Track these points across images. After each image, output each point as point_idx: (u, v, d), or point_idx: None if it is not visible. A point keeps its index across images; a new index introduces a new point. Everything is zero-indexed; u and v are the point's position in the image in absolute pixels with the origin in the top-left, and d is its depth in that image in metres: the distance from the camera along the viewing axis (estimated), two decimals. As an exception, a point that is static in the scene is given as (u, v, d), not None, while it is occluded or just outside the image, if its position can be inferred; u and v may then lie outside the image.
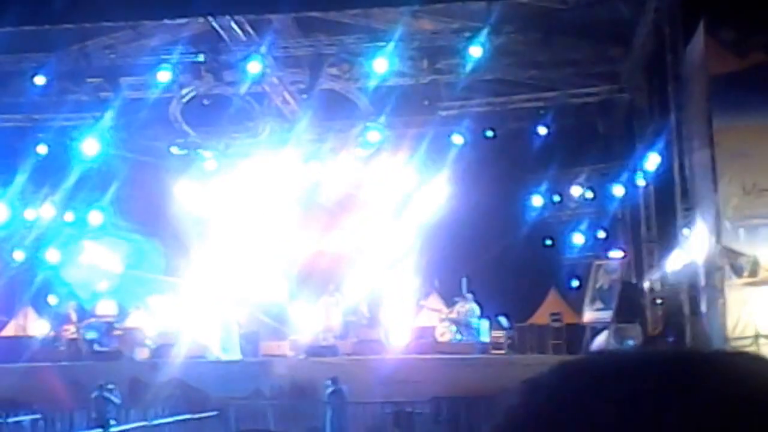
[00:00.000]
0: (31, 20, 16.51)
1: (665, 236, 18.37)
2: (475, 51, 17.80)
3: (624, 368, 0.79)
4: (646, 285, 19.80)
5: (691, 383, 0.74)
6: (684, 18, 15.85)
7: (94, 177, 21.54)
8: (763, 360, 0.78)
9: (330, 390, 16.47)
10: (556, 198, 22.29)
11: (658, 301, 18.51)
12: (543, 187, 22.16)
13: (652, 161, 18.62)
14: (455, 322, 19.76)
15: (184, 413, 16.02)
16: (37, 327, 20.92)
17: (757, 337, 14.29)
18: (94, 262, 22.20)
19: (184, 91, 19.97)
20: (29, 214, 22.04)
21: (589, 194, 22.06)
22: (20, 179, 21.35)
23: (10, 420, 15.86)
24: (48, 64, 19.14)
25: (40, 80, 19.12)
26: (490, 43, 17.69)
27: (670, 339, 17.36)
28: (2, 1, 15.36)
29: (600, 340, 19.25)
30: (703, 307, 15.41)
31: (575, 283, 22.27)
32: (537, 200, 22.12)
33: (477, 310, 19.71)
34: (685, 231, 16.24)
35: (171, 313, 20.51)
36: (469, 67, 18.30)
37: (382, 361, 17.68)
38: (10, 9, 15.17)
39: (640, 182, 19.53)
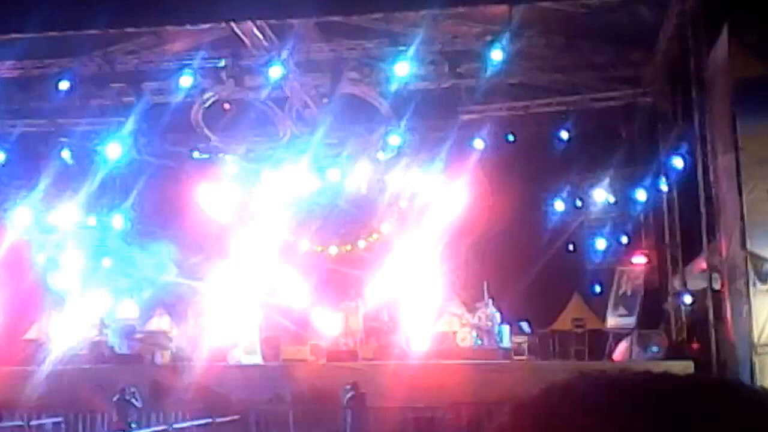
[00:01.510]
0: (54, 26, 16.62)
1: (689, 241, 18.19)
2: (497, 55, 17.72)
3: (610, 390, 0.78)
4: (669, 291, 19.62)
5: (676, 410, 0.74)
6: (707, 21, 15.69)
7: (117, 181, 21.71)
8: (737, 385, 0.78)
9: (350, 395, 16.45)
10: (578, 203, 22.15)
11: (682, 307, 18.33)
12: (565, 192, 22.04)
13: (676, 165, 18.47)
14: (476, 327, 19.69)
15: (205, 417, 16.05)
16: (59, 330, 21.02)
17: (782, 344, 14.10)
18: (113, 267, 22.31)
19: (205, 96, 20.06)
20: (52, 218, 22.20)
21: (612, 199, 21.90)
22: (43, 183, 21.53)
23: (33, 423, 15.96)
24: (72, 69, 19.32)
25: (64, 85, 19.30)
26: (511, 46, 17.61)
27: (695, 346, 17.20)
28: (26, 7, 15.49)
29: (623, 347, 19.11)
30: (728, 314, 15.23)
31: (598, 289, 22.13)
32: (559, 205, 21.99)
33: (498, 315, 19.63)
34: (709, 236, 16.08)
35: (192, 317, 20.59)
36: (490, 71, 18.23)
37: (403, 367, 17.65)
38: (34, 15, 15.30)
39: (664, 187, 19.38)
